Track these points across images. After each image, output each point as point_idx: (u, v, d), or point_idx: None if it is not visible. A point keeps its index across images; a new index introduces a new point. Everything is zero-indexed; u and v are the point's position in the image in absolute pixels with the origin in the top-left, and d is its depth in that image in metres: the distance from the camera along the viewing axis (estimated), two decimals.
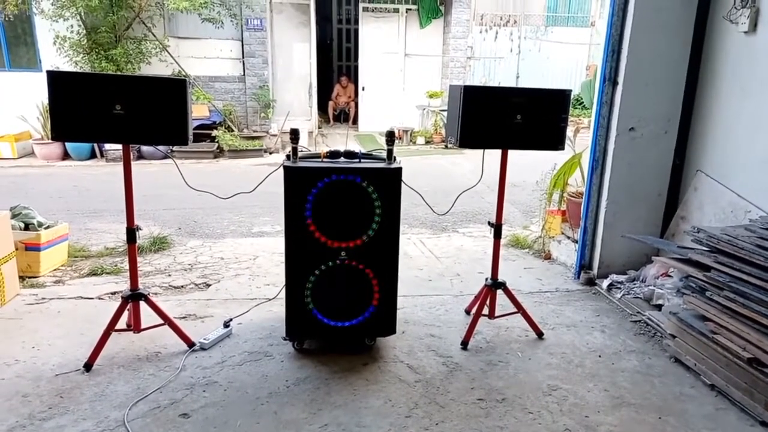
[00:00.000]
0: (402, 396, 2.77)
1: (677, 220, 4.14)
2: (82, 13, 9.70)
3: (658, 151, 4.09)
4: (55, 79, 2.64)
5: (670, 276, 3.85)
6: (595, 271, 4.27)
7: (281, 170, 2.87)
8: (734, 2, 3.66)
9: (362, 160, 2.99)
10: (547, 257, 4.88)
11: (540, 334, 3.41)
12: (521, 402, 2.75)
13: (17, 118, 9.87)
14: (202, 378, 2.87)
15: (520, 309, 3.43)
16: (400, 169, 2.92)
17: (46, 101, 2.66)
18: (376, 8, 12.76)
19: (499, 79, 13.86)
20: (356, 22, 13.24)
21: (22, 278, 3.96)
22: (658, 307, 3.68)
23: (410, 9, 12.86)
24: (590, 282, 4.25)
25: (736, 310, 2.76)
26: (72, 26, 9.78)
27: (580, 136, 5.59)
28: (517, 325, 3.50)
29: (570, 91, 3.17)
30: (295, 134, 2.94)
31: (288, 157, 2.96)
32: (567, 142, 3.28)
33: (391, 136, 3.04)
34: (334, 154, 3.01)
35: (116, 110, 2.69)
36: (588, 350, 3.28)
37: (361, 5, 12.64)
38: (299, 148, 2.96)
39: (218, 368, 2.96)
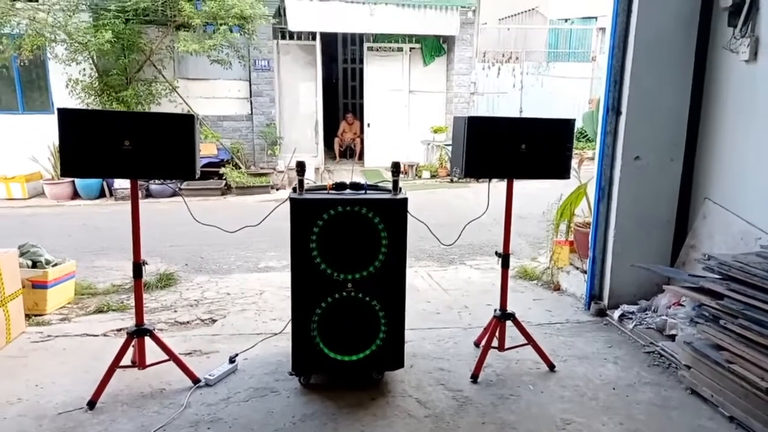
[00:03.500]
0: (411, 431, 2.69)
1: (687, 248, 4.09)
2: (95, 57, 9.98)
3: (665, 179, 4.08)
4: (66, 116, 2.70)
5: (682, 305, 3.78)
6: (605, 301, 4.21)
7: (288, 205, 2.88)
8: (734, 32, 3.70)
9: (368, 192, 3.00)
10: (557, 288, 4.82)
11: (551, 367, 3.34)
12: None
13: (29, 159, 10.05)
14: (206, 415, 2.81)
15: (530, 341, 3.37)
16: (405, 200, 2.92)
17: (57, 142, 2.70)
18: (380, 48, 13.04)
19: (502, 113, 13.98)
20: (361, 61, 13.51)
21: (28, 316, 3.95)
22: (672, 338, 3.60)
23: (414, 48, 13.12)
24: (601, 313, 4.18)
25: (751, 338, 2.69)
26: (84, 69, 10.06)
27: (584, 167, 5.60)
28: (528, 358, 3.43)
29: (574, 119, 3.20)
30: (301, 167, 2.97)
31: (294, 189, 2.98)
32: (572, 172, 3.28)
33: (396, 168, 3.06)
34: (340, 186, 3.03)
35: (125, 146, 2.73)
36: (601, 382, 3.20)
37: (366, 45, 12.92)
38: (306, 181, 2.98)
39: (223, 405, 2.91)
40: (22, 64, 9.91)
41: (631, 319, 3.98)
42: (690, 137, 4.06)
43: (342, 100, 15.61)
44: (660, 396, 3.06)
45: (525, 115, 13.85)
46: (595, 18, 15.39)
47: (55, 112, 2.71)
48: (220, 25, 10.02)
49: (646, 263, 3.99)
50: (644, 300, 4.15)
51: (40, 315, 4.10)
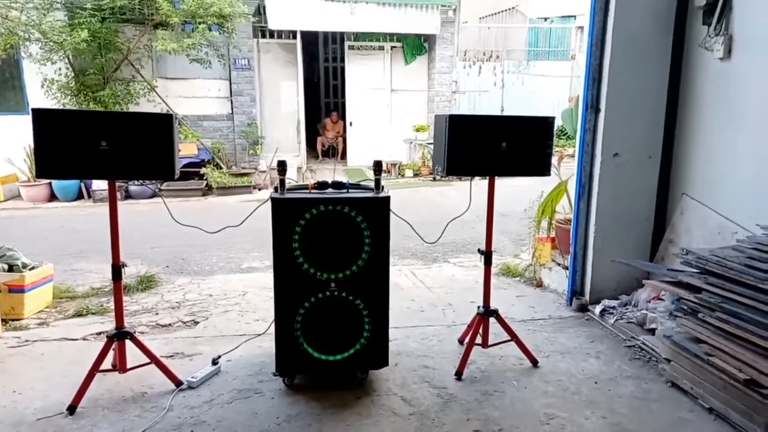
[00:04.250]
0: (397, 430, 2.70)
1: (666, 243, 4.16)
2: (71, 56, 9.81)
3: (644, 175, 4.14)
4: (40, 116, 2.64)
5: (661, 299, 3.84)
6: (587, 297, 4.26)
7: (270, 204, 2.86)
8: (708, 30, 3.77)
9: (350, 191, 2.99)
10: (539, 285, 4.86)
11: (534, 362, 3.37)
12: None
13: (4, 161, 9.84)
14: (189, 418, 2.78)
15: (513, 337, 3.39)
16: (388, 198, 2.92)
17: (32, 143, 2.64)
18: (361, 46, 13.02)
19: (483, 112, 14.09)
20: (342, 60, 13.47)
21: (4, 321, 3.87)
22: (652, 331, 3.66)
23: (395, 46, 13.13)
24: (583, 308, 4.22)
25: (729, 330, 2.74)
26: (60, 69, 9.87)
27: (564, 165, 5.66)
28: (512, 354, 3.45)
29: (553, 117, 3.22)
30: (282, 166, 2.95)
31: (276, 189, 2.96)
32: (552, 169, 3.30)
33: (378, 166, 3.05)
34: (321, 185, 3.01)
35: (102, 146, 2.68)
36: (584, 377, 3.24)
37: (347, 44, 12.89)
38: (287, 180, 2.96)
39: (206, 407, 2.88)
40: None
41: (612, 313, 4.03)
42: (667, 134, 4.13)
43: (324, 99, 15.57)
44: (641, 389, 3.10)
45: (506, 113, 13.98)
46: (574, 17, 15.57)
47: (30, 112, 2.65)
48: (199, 23, 9.90)
49: (626, 258, 4.05)
50: (625, 295, 4.20)
51: (17, 320, 4.01)
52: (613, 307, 4.09)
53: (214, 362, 3.28)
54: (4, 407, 2.86)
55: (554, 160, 3.76)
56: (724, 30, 3.67)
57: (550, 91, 14.34)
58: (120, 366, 3.04)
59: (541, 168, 3.18)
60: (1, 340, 3.68)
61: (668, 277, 3.35)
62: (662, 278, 3.45)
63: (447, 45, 12.88)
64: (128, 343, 3.02)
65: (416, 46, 13.15)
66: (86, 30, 9.25)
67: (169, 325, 4.03)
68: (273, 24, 11.47)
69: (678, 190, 4.13)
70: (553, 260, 4.88)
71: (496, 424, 2.75)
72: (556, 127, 3.65)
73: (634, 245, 4.22)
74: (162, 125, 2.76)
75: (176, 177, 2.87)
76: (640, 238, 4.24)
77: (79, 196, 9.96)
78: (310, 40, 13.73)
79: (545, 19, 16.68)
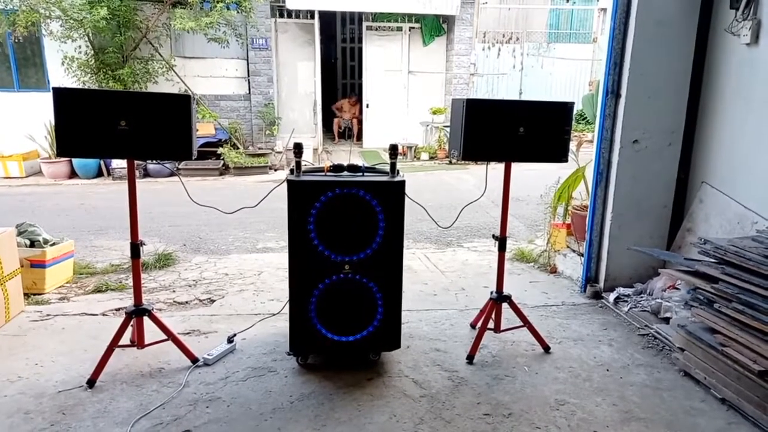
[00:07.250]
0: (407, 411, 2.73)
1: (683, 232, 4.11)
2: (90, 34, 9.87)
3: (663, 163, 4.08)
4: (61, 95, 2.67)
5: (677, 288, 3.81)
6: (601, 284, 4.23)
7: (285, 185, 2.88)
8: (735, 15, 3.67)
9: (365, 174, 2.99)
10: (553, 271, 4.85)
11: (546, 348, 3.37)
12: (528, 417, 2.70)
13: (25, 138, 10.00)
14: (205, 394, 2.84)
15: (526, 323, 3.40)
16: (403, 182, 2.92)
17: (53, 121, 2.68)
18: (379, 27, 12.90)
19: (502, 95, 13.93)
20: (360, 40, 13.38)
21: (26, 295, 3.97)
22: (666, 320, 3.64)
23: (413, 27, 12.98)
24: (596, 295, 4.21)
25: (745, 322, 2.72)
26: (80, 47, 9.95)
27: (583, 150, 5.59)
28: (524, 339, 3.46)
29: (572, 103, 3.18)
30: (298, 148, 2.96)
31: (292, 171, 2.97)
32: (570, 155, 3.27)
33: (394, 150, 3.05)
34: (337, 168, 3.02)
35: (121, 126, 2.71)
36: (595, 364, 3.24)
37: (365, 24, 12.78)
38: (303, 163, 2.98)
39: (222, 384, 2.94)
40: (16, 40, 9.80)
41: (626, 301, 4.01)
42: (689, 121, 4.05)
43: (341, 80, 15.50)
44: (653, 378, 3.10)
45: (525, 96, 13.80)
46: None
47: (51, 90, 2.68)
48: (217, 2, 9.88)
49: (643, 246, 4.01)
50: (640, 283, 4.18)
51: (38, 294, 4.12)
52: (628, 295, 4.07)
53: (230, 340, 3.33)
54: (27, 379, 2.95)
55: (573, 145, 3.73)
56: (752, 14, 3.57)
57: (570, 74, 14.12)
58: (138, 342, 3.12)
59: (559, 155, 3.15)
60: (23, 314, 3.78)
61: (685, 267, 3.32)
62: (679, 267, 3.41)
63: (466, 26, 12.71)
64: (146, 319, 3.09)
65: (435, 27, 12.99)
66: (105, 8, 9.28)
67: (186, 302, 4.10)
68: (291, 3, 11.40)
69: (698, 178, 4.06)
70: (567, 246, 4.86)
71: (506, 409, 2.77)
72: (575, 112, 3.61)
73: (651, 233, 4.18)
74: (180, 106, 2.78)
75: (194, 157, 2.91)
76: (658, 226, 4.19)
77: (99, 174, 10.11)
78: (327, 20, 13.63)
79: (567, 0, 16.32)
